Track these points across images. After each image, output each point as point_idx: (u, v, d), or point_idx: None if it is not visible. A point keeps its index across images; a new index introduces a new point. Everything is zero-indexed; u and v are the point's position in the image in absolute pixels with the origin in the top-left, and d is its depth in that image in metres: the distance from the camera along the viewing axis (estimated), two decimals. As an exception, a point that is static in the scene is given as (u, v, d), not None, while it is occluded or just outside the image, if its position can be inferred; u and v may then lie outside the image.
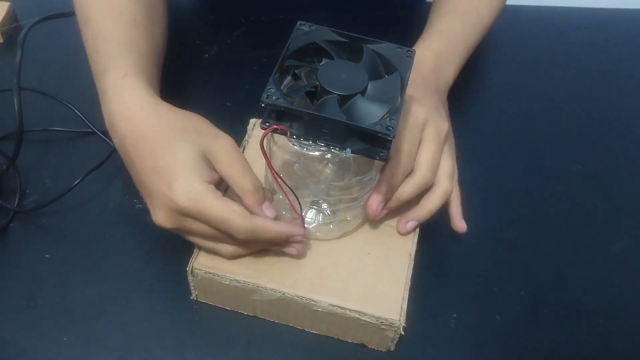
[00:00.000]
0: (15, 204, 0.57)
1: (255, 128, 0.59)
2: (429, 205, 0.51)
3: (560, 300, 0.56)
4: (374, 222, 0.53)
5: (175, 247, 0.51)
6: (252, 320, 0.52)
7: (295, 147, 0.44)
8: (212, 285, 0.50)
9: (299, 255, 0.49)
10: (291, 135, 0.42)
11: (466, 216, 0.53)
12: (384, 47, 0.45)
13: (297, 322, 0.52)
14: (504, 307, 0.55)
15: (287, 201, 0.46)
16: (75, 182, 0.55)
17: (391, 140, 0.41)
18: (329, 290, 0.48)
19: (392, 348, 0.51)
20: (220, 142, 0.45)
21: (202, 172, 0.44)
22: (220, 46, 0.73)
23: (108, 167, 0.58)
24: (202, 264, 0.49)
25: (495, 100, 0.71)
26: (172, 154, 0.44)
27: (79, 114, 0.63)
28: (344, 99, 0.41)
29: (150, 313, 0.52)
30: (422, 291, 0.55)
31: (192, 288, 0.52)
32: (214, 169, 0.46)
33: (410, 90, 0.47)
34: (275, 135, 0.45)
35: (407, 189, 0.50)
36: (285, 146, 0.46)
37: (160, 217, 0.45)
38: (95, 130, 0.62)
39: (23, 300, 0.52)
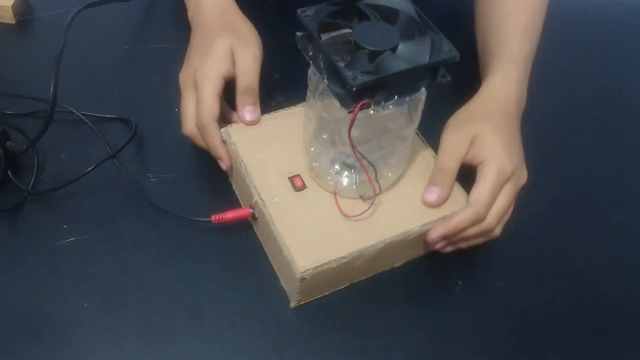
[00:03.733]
0: (31, 184, 0.58)
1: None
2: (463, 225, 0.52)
3: (561, 267, 0.58)
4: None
5: (193, 212, 0.55)
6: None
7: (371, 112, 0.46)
8: (319, 278, 0.50)
9: (227, 169, 0.57)
10: (377, 104, 0.45)
11: (467, 181, 0.54)
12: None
13: (392, 262, 0.55)
14: (507, 275, 0.57)
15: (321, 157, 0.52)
16: (90, 169, 0.57)
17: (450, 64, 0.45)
18: (408, 219, 0.52)
19: None
20: (245, 50, 0.57)
21: (225, 63, 0.56)
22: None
23: (127, 153, 0.61)
24: (305, 265, 0.48)
25: None
26: (212, 42, 0.57)
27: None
28: (374, 55, 0.44)
29: (168, 279, 0.54)
30: (427, 260, 0.57)
31: (297, 294, 0.51)
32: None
33: (500, 132, 0.54)
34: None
35: (457, 220, 0.52)
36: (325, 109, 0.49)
37: (183, 75, 0.58)
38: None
39: (44, 267, 0.54)
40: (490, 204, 0.52)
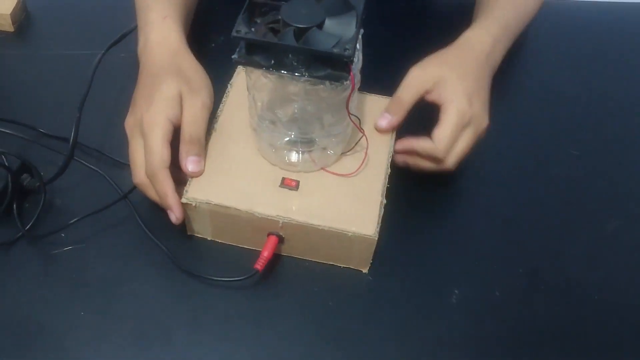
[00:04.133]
0: (29, 225, 0.56)
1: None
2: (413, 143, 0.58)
3: (557, 276, 0.58)
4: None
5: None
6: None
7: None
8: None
9: (177, 222, 0.53)
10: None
11: (461, 197, 0.55)
12: None
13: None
14: (503, 283, 0.57)
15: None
16: (88, 214, 0.56)
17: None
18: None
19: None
20: (194, 97, 0.54)
21: (173, 109, 0.53)
22: (227, 36, 0.74)
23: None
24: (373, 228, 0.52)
25: (498, 89, 0.73)
26: (159, 86, 0.54)
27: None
28: (301, 31, 0.46)
29: (165, 288, 0.54)
30: (424, 269, 0.57)
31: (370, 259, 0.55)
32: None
33: (466, 79, 0.57)
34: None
35: (420, 145, 0.57)
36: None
37: (129, 120, 0.55)
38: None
39: (40, 276, 0.54)
40: (450, 144, 0.56)
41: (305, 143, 0.54)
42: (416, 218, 0.61)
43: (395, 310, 0.55)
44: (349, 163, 0.56)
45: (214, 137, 0.57)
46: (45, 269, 0.55)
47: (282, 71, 0.46)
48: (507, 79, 0.76)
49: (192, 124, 0.53)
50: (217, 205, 0.52)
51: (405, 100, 0.57)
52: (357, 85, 0.50)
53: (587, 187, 0.66)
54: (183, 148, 0.54)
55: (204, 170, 0.54)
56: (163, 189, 0.52)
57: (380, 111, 0.59)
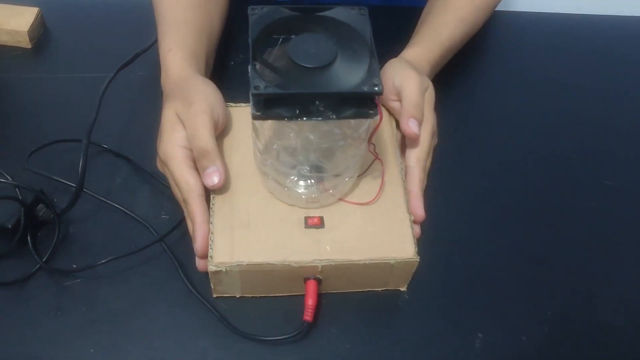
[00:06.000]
0: (46, 257, 0.55)
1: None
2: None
3: (589, 320, 0.55)
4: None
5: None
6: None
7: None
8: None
9: (199, 265, 0.52)
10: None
11: (486, 233, 0.52)
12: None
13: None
14: (530, 328, 0.54)
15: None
16: (104, 261, 0.54)
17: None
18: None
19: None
20: (189, 110, 0.51)
21: (177, 132, 0.52)
22: (245, 54, 0.73)
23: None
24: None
25: (507, 117, 0.71)
26: (162, 118, 0.53)
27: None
28: (319, 71, 0.43)
29: (175, 326, 0.53)
30: (446, 310, 0.55)
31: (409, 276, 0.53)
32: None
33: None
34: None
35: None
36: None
37: (157, 163, 0.55)
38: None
39: (50, 310, 0.53)
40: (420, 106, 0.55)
41: (319, 177, 0.51)
42: (440, 251, 0.58)
43: (415, 353, 0.52)
44: (365, 187, 0.54)
45: (221, 190, 0.53)
46: (58, 301, 0.54)
47: (309, 118, 0.43)
48: (521, 105, 0.72)
49: (195, 138, 0.50)
50: (249, 264, 0.49)
51: (422, 103, 0.55)
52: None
53: (621, 223, 0.62)
54: (197, 165, 0.52)
55: (224, 177, 0.51)
56: (192, 217, 0.50)
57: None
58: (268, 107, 0.43)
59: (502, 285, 0.57)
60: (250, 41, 0.44)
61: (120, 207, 0.59)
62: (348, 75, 0.43)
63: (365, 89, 0.42)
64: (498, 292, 0.56)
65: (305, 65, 0.43)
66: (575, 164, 0.66)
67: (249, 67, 0.42)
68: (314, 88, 0.42)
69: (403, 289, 0.55)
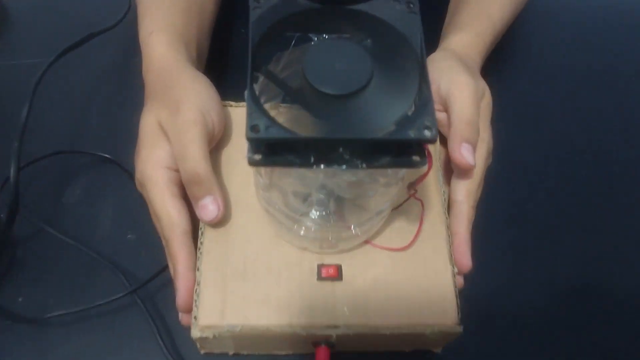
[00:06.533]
0: None
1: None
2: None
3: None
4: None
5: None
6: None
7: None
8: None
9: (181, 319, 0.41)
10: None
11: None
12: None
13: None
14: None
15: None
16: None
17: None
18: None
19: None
20: (175, 121, 0.40)
21: (159, 149, 0.40)
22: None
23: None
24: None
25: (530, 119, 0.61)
26: (140, 124, 0.42)
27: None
28: (344, 99, 0.30)
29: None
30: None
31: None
32: None
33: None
34: None
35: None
36: None
37: (136, 180, 0.43)
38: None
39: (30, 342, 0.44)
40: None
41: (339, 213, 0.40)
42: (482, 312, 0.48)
43: None
44: (398, 225, 0.42)
45: (211, 231, 0.42)
46: None
47: (329, 166, 0.31)
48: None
49: (184, 158, 0.39)
50: (244, 329, 0.38)
51: (477, 120, 0.43)
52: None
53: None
54: (187, 192, 0.41)
55: (224, 210, 0.41)
56: (174, 261, 0.40)
57: None
58: (272, 151, 0.31)
59: (526, 322, 0.48)
60: (250, 47, 0.31)
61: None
62: (386, 107, 0.30)
63: (412, 134, 0.29)
64: (521, 328, 0.48)
65: (326, 91, 0.30)
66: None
67: (246, 92, 0.30)
68: (337, 132, 0.29)
69: (437, 351, 0.45)
